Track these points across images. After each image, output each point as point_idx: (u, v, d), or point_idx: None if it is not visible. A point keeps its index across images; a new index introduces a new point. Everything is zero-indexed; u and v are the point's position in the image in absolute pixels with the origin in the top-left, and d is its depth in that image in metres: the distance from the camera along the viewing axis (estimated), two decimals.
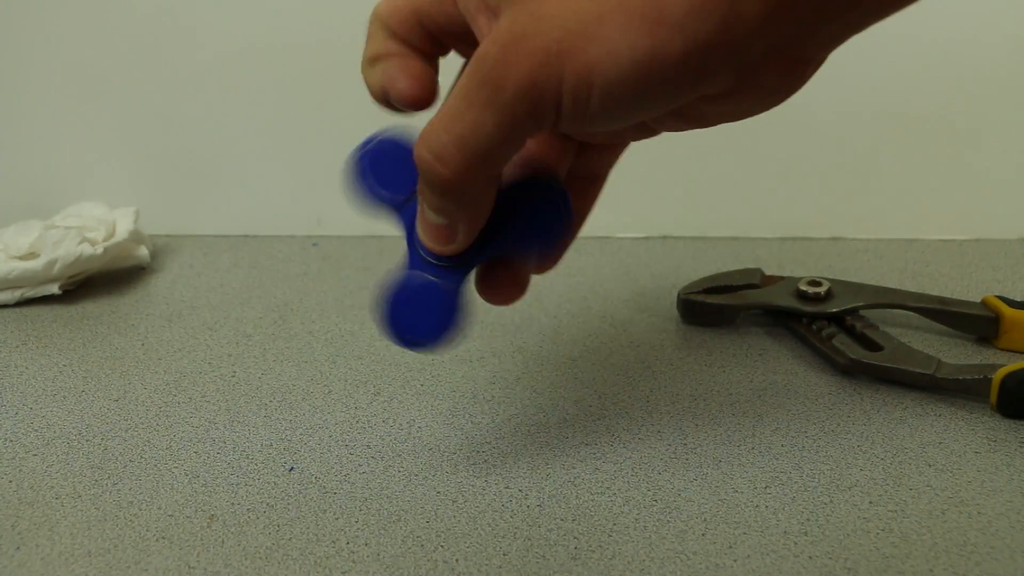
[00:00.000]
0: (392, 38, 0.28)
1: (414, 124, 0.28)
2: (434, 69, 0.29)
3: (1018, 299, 0.42)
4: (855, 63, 0.52)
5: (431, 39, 0.28)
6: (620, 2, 0.21)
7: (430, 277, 0.29)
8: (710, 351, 0.42)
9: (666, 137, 0.29)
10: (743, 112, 0.25)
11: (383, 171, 0.30)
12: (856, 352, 0.39)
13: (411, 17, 0.27)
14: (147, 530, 0.31)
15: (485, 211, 0.27)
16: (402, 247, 0.30)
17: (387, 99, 0.28)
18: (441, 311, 0.29)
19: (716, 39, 0.21)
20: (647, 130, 0.28)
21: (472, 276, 0.30)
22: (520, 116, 0.23)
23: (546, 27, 0.22)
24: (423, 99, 0.28)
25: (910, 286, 0.46)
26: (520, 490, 0.33)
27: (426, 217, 0.28)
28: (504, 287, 0.30)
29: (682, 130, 0.27)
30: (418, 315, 0.29)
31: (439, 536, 0.31)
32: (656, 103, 0.23)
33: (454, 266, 0.29)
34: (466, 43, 0.27)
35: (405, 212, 0.30)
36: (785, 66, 0.24)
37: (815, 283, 0.43)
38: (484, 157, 0.24)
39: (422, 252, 0.29)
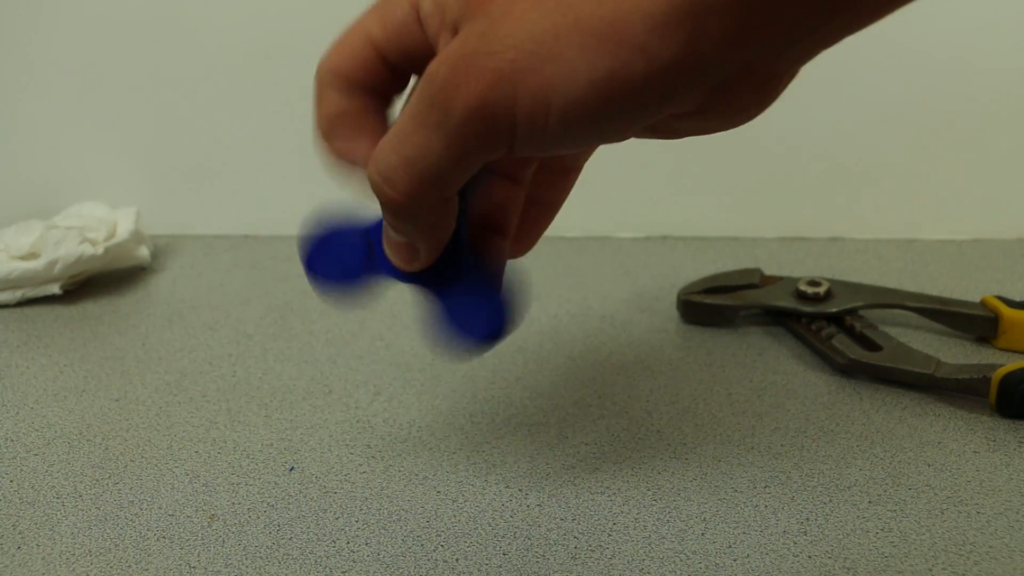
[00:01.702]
0: (349, 92, 0.26)
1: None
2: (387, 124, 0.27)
3: (1017, 299, 0.42)
4: (854, 63, 0.52)
5: (394, 77, 0.27)
6: (577, 21, 0.20)
7: (363, 243, 0.29)
8: (710, 351, 0.42)
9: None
10: (714, 128, 0.25)
11: (332, 257, 0.30)
12: (855, 352, 0.39)
13: (374, 58, 0.26)
14: (148, 530, 0.31)
15: (444, 231, 0.26)
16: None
17: (352, 165, 0.27)
18: (355, 275, 0.30)
19: (681, 60, 0.20)
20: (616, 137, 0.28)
21: None
22: (470, 139, 0.22)
23: (498, 47, 0.21)
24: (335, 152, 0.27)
25: (909, 286, 0.46)
26: (520, 490, 0.33)
27: (390, 236, 0.27)
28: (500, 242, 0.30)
29: (653, 139, 0.27)
30: (337, 266, 0.30)
31: (439, 536, 0.31)
32: (619, 125, 0.22)
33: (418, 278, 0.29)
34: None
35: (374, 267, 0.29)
36: (756, 83, 0.23)
37: (814, 283, 0.43)
38: (434, 180, 0.23)
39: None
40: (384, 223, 0.27)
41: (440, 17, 0.24)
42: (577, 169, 0.32)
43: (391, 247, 0.28)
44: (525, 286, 0.30)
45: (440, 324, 0.29)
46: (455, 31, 0.23)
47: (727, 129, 0.25)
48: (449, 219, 0.26)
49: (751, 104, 0.24)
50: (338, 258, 0.29)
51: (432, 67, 0.22)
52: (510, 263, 0.30)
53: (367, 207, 0.28)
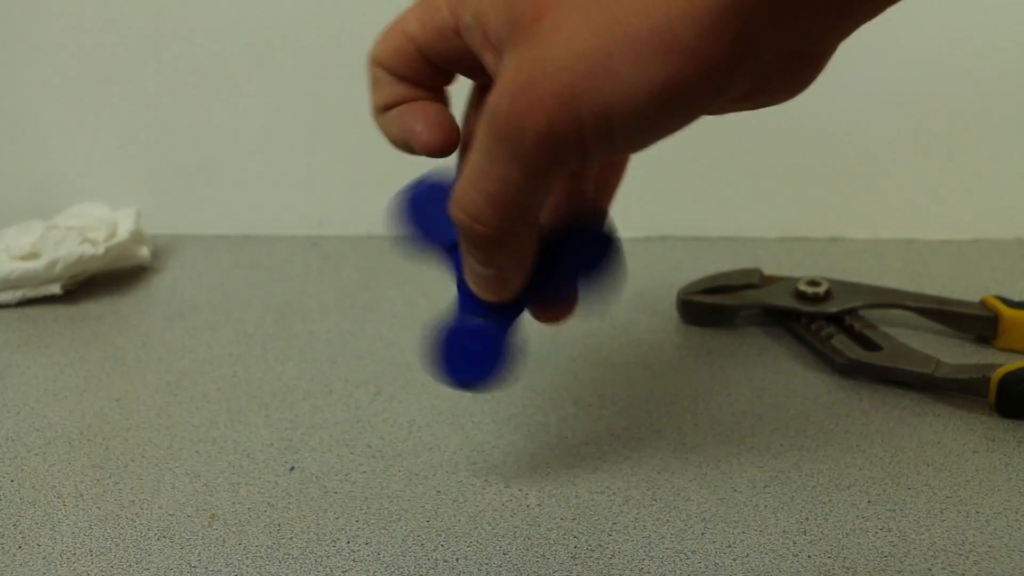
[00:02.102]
0: (400, 82, 0.28)
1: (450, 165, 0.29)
2: (447, 107, 0.28)
3: (1016, 299, 0.42)
4: (855, 64, 0.52)
5: (438, 72, 0.28)
6: (626, 36, 0.21)
7: (480, 320, 0.30)
8: (709, 351, 0.42)
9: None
10: (758, 107, 0.25)
11: (428, 215, 0.30)
12: (855, 352, 0.39)
13: (415, 55, 0.27)
14: (148, 529, 0.31)
15: (531, 256, 0.27)
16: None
17: (408, 148, 0.28)
18: (494, 354, 0.30)
19: (731, 56, 0.21)
20: None
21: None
22: (544, 164, 0.23)
23: (553, 70, 0.22)
24: (446, 147, 0.28)
25: (909, 286, 0.46)
26: (520, 490, 0.33)
27: (474, 269, 0.28)
28: (555, 309, 0.31)
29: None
30: (471, 358, 0.30)
31: (439, 535, 0.31)
32: (679, 122, 0.23)
33: (505, 309, 0.30)
34: (473, 70, 0.27)
35: (454, 256, 0.30)
36: (800, 63, 0.24)
37: (814, 283, 0.44)
38: (519, 208, 0.25)
39: (471, 298, 0.29)
40: (466, 260, 0.28)
41: (481, 33, 0.24)
42: (627, 156, 0.32)
43: (480, 282, 0.28)
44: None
45: (452, 357, 0.30)
46: (500, 51, 0.24)
47: (771, 105, 0.26)
48: (534, 244, 0.27)
49: (797, 83, 0.25)
50: (435, 214, 0.29)
51: (493, 100, 0.23)
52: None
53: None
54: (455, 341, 0.30)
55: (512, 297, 0.29)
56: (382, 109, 0.28)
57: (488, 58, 0.25)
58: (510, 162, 0.23)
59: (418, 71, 0.27)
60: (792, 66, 0.24)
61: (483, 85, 0.28)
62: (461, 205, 0.25)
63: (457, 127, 0.28)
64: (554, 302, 0.30)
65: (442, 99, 0.29)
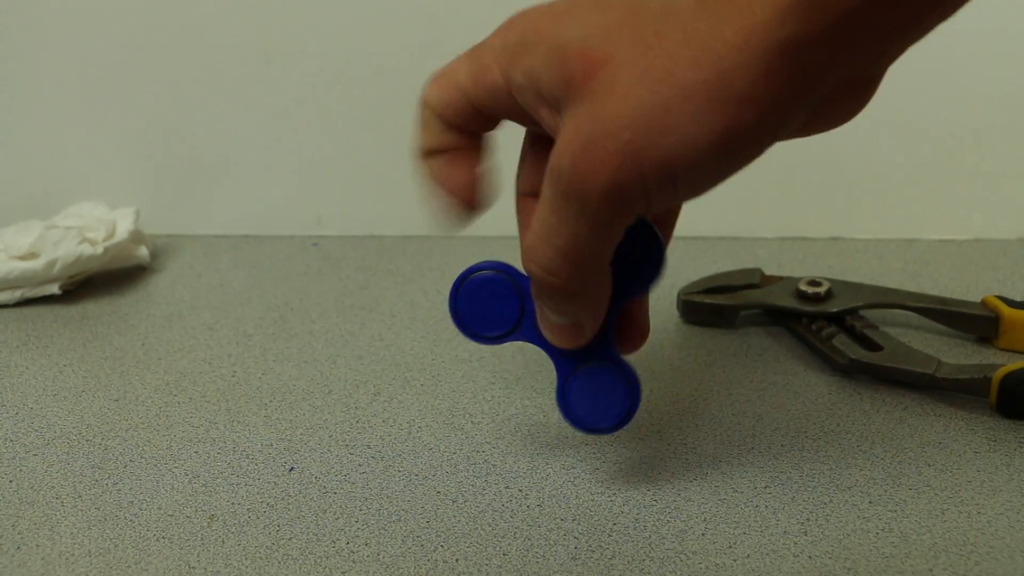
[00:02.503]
0: (448, 130, 0.28)
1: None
2: (484, 159, 0.29)
3: (1018, 299, 0.42)
4: None
5: (487, 119, 0.28)
6: (683, 90, 0.21)
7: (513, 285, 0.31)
8: (710, 351, 0.42)
9: None
10: (815, 132, 0.26)
11: (479, 307, 0.31)
12: (856, 352, 0.39)
13: (466, 106, 0.27)
14: (147, 530, 0.31)
15: (605, 302, 0.28)
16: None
17: (439, 198, 0.29)
18: (622, 395, 0.31)
19: (785, 97, 0.21)
20: None
21: None
22: (612, 218, 0.24)
23: (613, 128, 0.22)
24: (471, 212, 0.29)
25: (910, 286, 0.46)
26: (520, 490, 0.33)
27: (550, 320, 0.29)
28: (628, 337, 0.31)
29: None
30: (489, 313, 0.31)
31: (439, 536, 0.31)
32: (741, 165, 0.24)
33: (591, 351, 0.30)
34: (525, 118, 0.27)
35: (523, 331, 0.31)
36: (853, 91, 0.25)
37: (815, 283, 0.43)
38: (590, 260, 0.25)
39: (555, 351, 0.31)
40: (540, 310, 0.29)
41: (535, 93, 0.25)
42: (678, 207, 0.33)
43: (554, 331, 0.29)
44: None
45: (569, 406, 0.31)
46: (557, 108, 0.24)
47: (826, 131, 0.26)
48: (607, 292, 0.28)
49: (851, 109, 0.26)
50: (488, 307, 0.31)
51: (555, 161, 0.24)
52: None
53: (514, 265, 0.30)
54: (485, 289, 0.31)
55: (584, 344, 0.29)
56: (427, 153, 0.29)
57: (544, 114, 0.25)
58: (578, 219, 0.24)
59: (468, 120, 0.28)
60: (847, 95, 0.24)
61: (537, 133, 0.29)
62: (535, 259, 0.26)
63: (484, 190, 0.29)
64: (622, 331, 0.31)
65: (482, 147, 0.29)
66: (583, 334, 0.29)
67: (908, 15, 0.22)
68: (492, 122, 0.28)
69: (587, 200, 0.23)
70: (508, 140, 0.30)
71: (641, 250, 0.29)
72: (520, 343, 0.32)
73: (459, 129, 0.28)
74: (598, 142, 0.22)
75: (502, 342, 0.31)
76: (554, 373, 0.31)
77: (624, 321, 0.31)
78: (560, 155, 0.23)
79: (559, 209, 0.24)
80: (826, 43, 0.21)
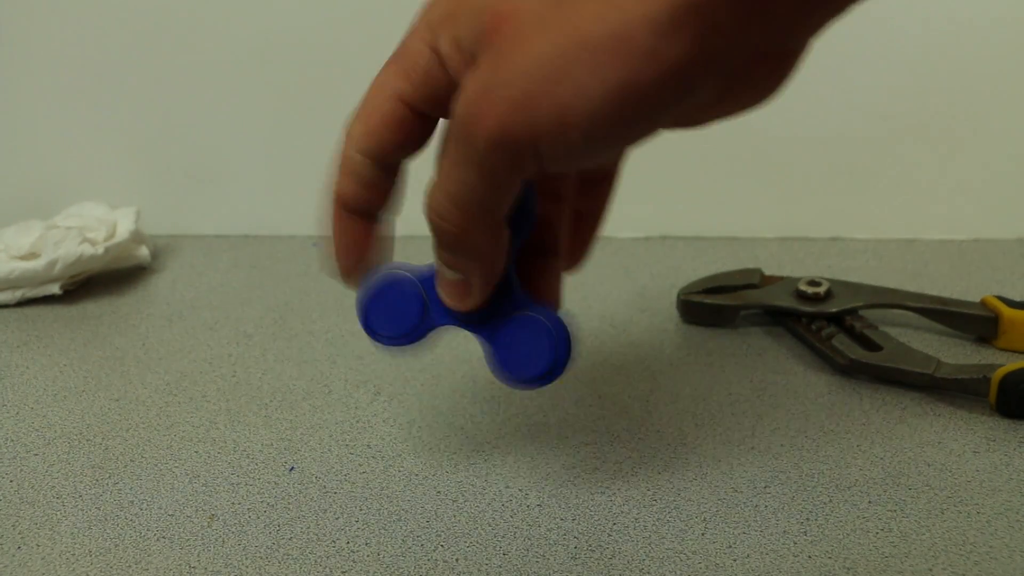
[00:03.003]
0: (366, 170, 0.28)
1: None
2: (379, 225, 0.29)
3: (1017, 299, 0.42)
4: (854, 64, 0.52)
5: (421, 129, 0.27)
6: (582, 40, 0.21)
7: (419, 291, 0.30)
8: (710, 351, 0.42)
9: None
10: (736, 112, 0.25)
11: (386, 310, 0.31)
12: (855, 352, 0.39)
13: (408, 116, 0.27)
14: (147, 530, 0.31)
15: (496, 263, 0.28)
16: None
17: (328, 261, 0.29)
18: (410, 328, 0.31)
19: (690, 58, 0.21)
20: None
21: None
22: (498, 167, 0.23)
23: (509, 76, 0.22)
24: (348, 279, 0.29)
25: (909, 286, 0.46)
26: (520, 490, 0.33)
27: (444, 276, 0.29)
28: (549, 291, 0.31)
29: (679, 130, 0.27)
30: (392, 315, 0.31)
31: (439, 536, 0.31)
32: (640, 129, 0.23)
33: (454, 315, 0.30)
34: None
35: (430, 321, 0.31)
36: (769, 64, 0.23)
37: (814, 283, 0.43)
38: (478, 209, 0.25)
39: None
40: (438, 266, 0.29)
41: (459, 54, 0.25)
42: (613, 175, 0.32)
43: (445, 287, 0.29)
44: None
45: (498, 365, 0.30)
46: (474, 63, 0.24)
47: (749, 110, 0.25)
48: (500, 250, 0.27)
49: (768, 85, 0.24)
50: (394, 311, 0.30)
51: (454, 105, 0.23)
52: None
53: (416, 262, 0.30)
54: (388, 291, 0.30)
55: (476, 306, 0.29)
56: (341, 203, 0.28)
57: (465, 76, 0.25)
58: (465, 165, 0.24)
59: (408, 133, 0.27)
60: (760, 68, 0.23)
61: None
62: (431, 204, 0.26)
63: (368, 266, 0.29)
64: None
65: (392, 193, 0.29)
66: (473, 293, 0.28)
67: None
68: (422, 135, 0.27)
69: (475, 145, 0.23)
70: None
71: (533, 345, 0.30)
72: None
73: (381, 162, 0.27)
74: (493, 89, 0.22)
75: (412, 340, 0.31)
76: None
77: (531, 289, 0.31)
78: (458, 101, 0.23)
79: (450, 154, 0.24)
80: (735, 6, 0.20)
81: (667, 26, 0.20)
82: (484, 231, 0.26)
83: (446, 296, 0.29)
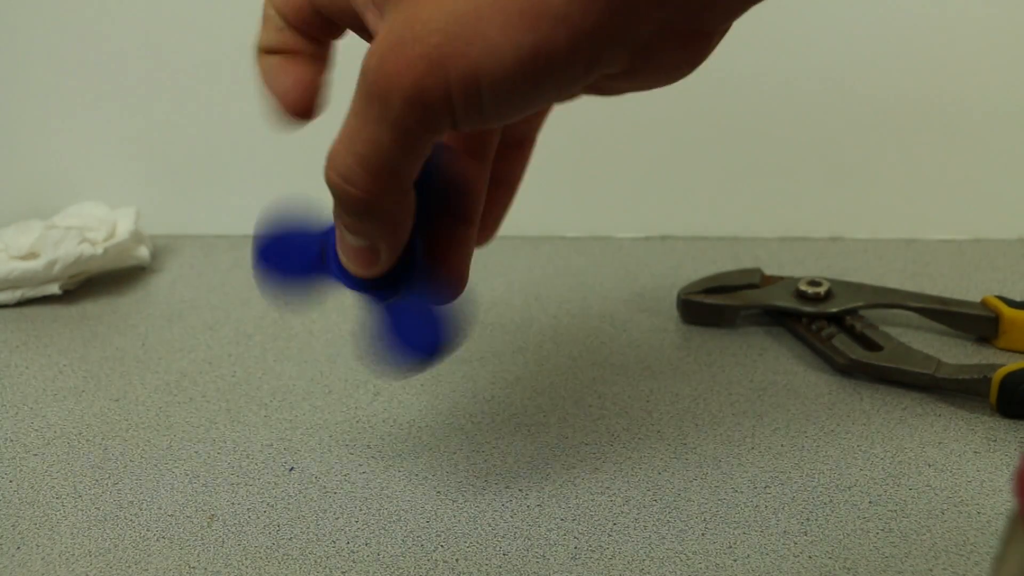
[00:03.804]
0: (289, 28, 0.27)
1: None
2: (324, 69, 0.28)
3: (1018, 299, 0.42)
4: (854, 63, 0.52)
5: (328, 25, 0.27)
6: (497, 0, 0.21)
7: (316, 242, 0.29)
8: (710, 351, 0.42)
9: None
10: (650, 86, 0.25)
11: (282, 252, 0.29)
12: (856, 352, 0.39)
13: (307, 7, 0.26)
14: (147, 530, 0.31)
15: (403, 229, 0.27)
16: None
17: (273, 100, 0.28)
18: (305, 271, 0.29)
19: (603, 26, 0.21)
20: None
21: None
22: (412, 126, 0.23)
23: (423, 32, 0.21)
24: (302, 115, 0.28)
25: (910, 286, 0.46)
26: (520, 490, 0.33)
27: (346, 241, 0.27)
28: (436, 280, 0.30)
29: (593, 95, 0.27)
30: (288, 259, 0.30)
31: (439, 536, 0.31)
32: (551, 93, 0.23)
33: (384, 289, 0.29)
34: (362, 29, 0.26)
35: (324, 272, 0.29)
36: (683, 41, 0.23)
37: (815, 283, 0.43)
38: (390, 172, 0.24)
39: (344, 275, 0.29)
40: (339, 230, 0.27)
41: None
42: (531, 140, 0.32)
43: (348, 253, 0.28)
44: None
45: (384, 337, 0.29)
46: (381, 10, 0.23)
47: (663, 86, 0.25)
48: (407, 215, 0.26)
49: (681, 62, 0.24)
50: (289, 257, 0.29)
51: (365, 60, 0.23)
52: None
53: (324, 210, 0.29)
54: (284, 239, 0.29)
55: (382, 272, 0.28)
56: (265, 51, 0.28)
57: (370, 18, 0.24)
58: (379, 123, 0.23)
59: (308, 22, 0.27)
60: (675, 44, 0.23)
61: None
62: (334, 167, 0.25)
63: (313, 98, 0.28)
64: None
65: (324, 56, 0.28)
66: (378, 260, 0.27)
67: None
68: (332, 28, 0.27)
69: (390, 103, 0.22)
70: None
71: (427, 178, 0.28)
72: None
73: (301, 31, 0.27)
74: (407, 44, 0.22)
75: (302, 286, 0.29)
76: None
77: (432, 260, 0.29)
78: (369, 55, 0.23)
79: (362, 112, 0.23)
80: None
81: None
82: (394, 196, 0.25)
83: (349, 262, 0.28)
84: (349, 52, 0.28)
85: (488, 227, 0.32)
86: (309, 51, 0.27)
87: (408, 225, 0.27)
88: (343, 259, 0.28)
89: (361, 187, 0.24)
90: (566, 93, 0.23)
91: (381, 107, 0.22)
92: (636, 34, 0.21)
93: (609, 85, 0.25)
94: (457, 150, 0.29)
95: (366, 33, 0.26)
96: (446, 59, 0.21)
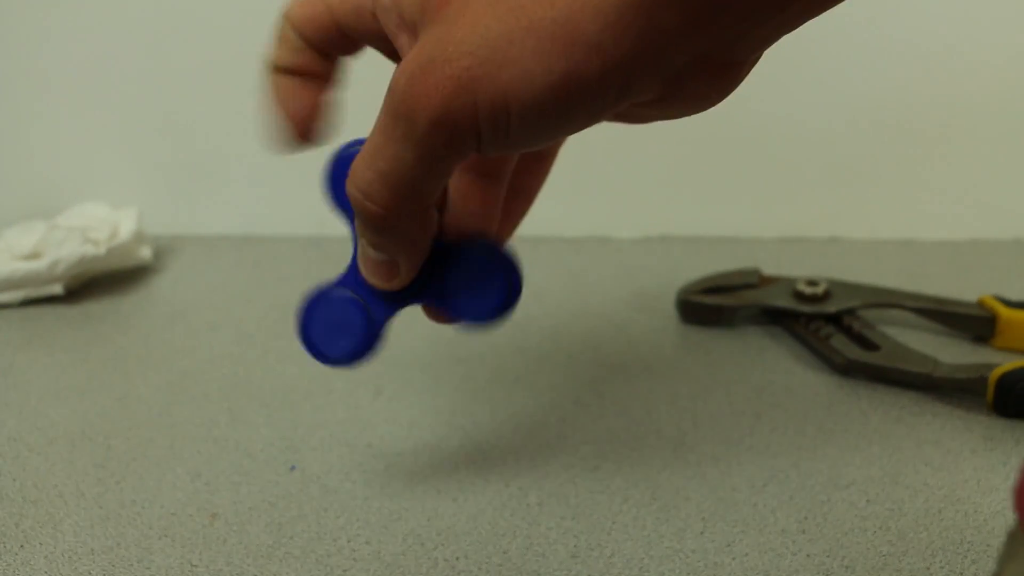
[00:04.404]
0: (306, 49, 0.27)
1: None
2: (332, 89, 0.28)
3: (1014, 299, 0.43)
4: (854, 63, 0.52)
5: (348, 42, 0.27)
6: (530, 24, 0.21)
7: (353, 296, 0.29)
8: (708, 351, 0.43)
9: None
10: (677, 115, 0.25)
11: (329, 329, 0.29)
12: (853, 352, 0.39)
13: (330, 24, 0.26)
14: (149, 528, 0.31)
15: (423, 245, 0.27)
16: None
17: (279, 120, 0.28)
18: (362, 334, 0.29)
19: (635, 55, 0.20)
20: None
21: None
22: (438, 148, 0.22)
23: (454, 54, 0.21)
24: (303, 136, 0.28)
25: (907, 286, 0.46)
26: (520, 489, 0.33)
27: (366, 253, 0.27)
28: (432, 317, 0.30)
29: (620, 123, 0.27)
30: (337, 332, 0.29)
31: (439, 535, 0.31)
32: (580, 121, 0.22)
33: (390, 299, 0.29)
34: (388, 51, 0.27)
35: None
36: (715, 72, 0.23)
37: (813, 283, 0.44)
38: (411, 191, 0.24)
39: (357, 279, 0.29)
40: (361, 245, 0.27)
41: (397, 15, 0.24)
42: (552, 154, 0.32)
43: (369, 267, 0.28)
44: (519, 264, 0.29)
45: (451, 314, 0.29)
46: (414, 33, 0.23)
47: (690, 115, 0.25)
48: (427, 233, 0.27)
49: (711, 92, 0.24)
50: (337, 326, 0.29)
51: (394, 78, 0.23)
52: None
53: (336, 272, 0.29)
54: (325, 310, 0.29)
55: (401, 287, 0.28)
56: (276, 69, 0.28)
57: (402, 41, 0.24)
58: (404, 142, 0.23)
59: (328, 40, 0.27)
60: (707, 74, 0.23)
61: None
62: (355, 182, 0.25)
63: (321, 122, 0.28)
64: (441, 309, 0.29)
65: (335, 76, 0.28)
66: (397, 275, 0.27)
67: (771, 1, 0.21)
68: (352, 46, 0.27)
69: (415, 123, 0.22)
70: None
71: (494, 280, 0.28)
72: None
73: (317, 49, 0.27)
74: (437, 65, 0.21)
75: (368, 347, 0.29)
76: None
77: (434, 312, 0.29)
78: (399, 74, 0.22)
79: (387, 129, 0.23)
80: (684, 5, 0.20)
81: (614, 21, 0.20)
82: (413, 214, 0.25)
83: (370, 275, 0.28)
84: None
85: (503, 232, 0.32)
86: (323, 71, 0.27)
87: (427, 242, 0.27)
88: (363, 271, 0.28)
89: (380, 204, 0.24)
90: (591, 121, 0.23)
91: (407, 126, 0.22)
92: (668, 64, 0.21)
93: (637, 113, 0.24)
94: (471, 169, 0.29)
95: (392, 53, 0.27)
96: (475, 82, 0.21)
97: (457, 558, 0.30)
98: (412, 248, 0.27)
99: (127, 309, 0.49)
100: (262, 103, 0.28)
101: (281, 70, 0.27)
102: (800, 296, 0.43)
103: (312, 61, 0.27)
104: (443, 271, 0.28)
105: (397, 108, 0.22)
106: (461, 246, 0.28)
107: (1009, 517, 0.31)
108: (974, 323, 0.42)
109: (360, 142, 0.28)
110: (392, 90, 0.23)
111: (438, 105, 0.22)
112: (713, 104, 0.24)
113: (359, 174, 0.24)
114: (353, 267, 0.29)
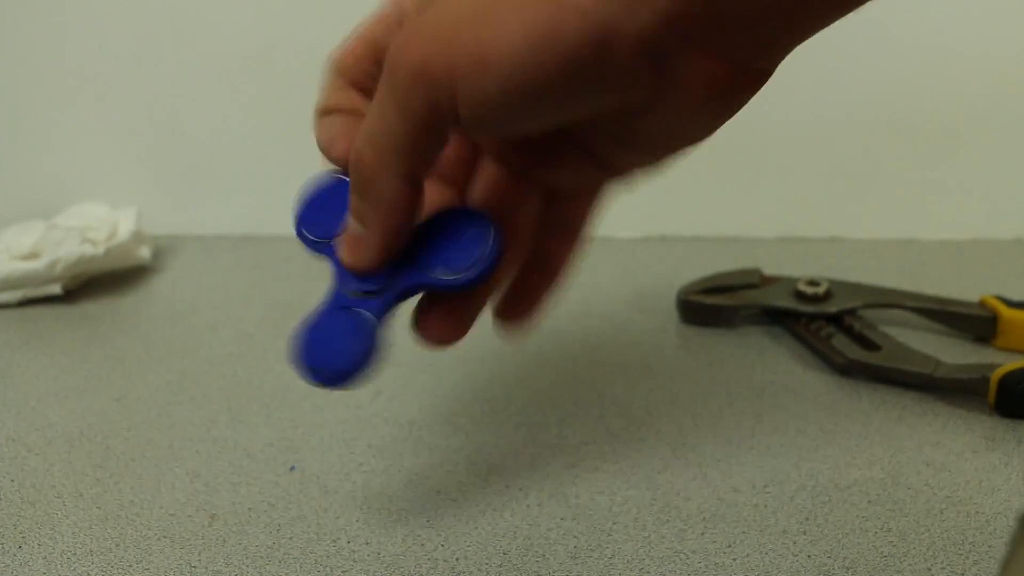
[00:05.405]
0: (349, 87, 0.28)
1: None
2: None
3: (1016, 299, 0.42)
4: (853, 64, 0.52)
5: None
6: None
7: (339, 307, 0.28)
8: (709, 351, 0.42)
9: None
10: (681, 129, 0.24)
11: (317, 214, 0.29)
12: (854, 352, 0.39)
13: (367, 55, 0.27)
14: (148, 529, 0.31)
15: (399, 218, 0.26)
16: None
17: (326, 153, 0.28)
18: (357, 341, 0.27)
19: (621, 23, 0.20)
20: (609, 170, 0.27)
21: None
22: (415, 103, 0.23)
23: (441, 19, 0.22)
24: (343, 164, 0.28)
25: (908, 286, 0.46)
26: (520, 489, 0.33)
27: (348, 230, 0.27)
28: (438, 323, 0.28)
29: (637, 164, 0.27)
30: (333, 344, 0.27)
31: (439, 535, 0.31)
32: (561, 88, 0.22)
33: (372, 296, 0.28)
34: None
35: (333, 249, 0.29)
36: (714, 74, 0.22)
37: (814, 283, 0.44)
38: (392, 149, 0.24)
39: (344, 288, 0.28)
40: (348, 219, 0.27)
41: (416, 8, 0.25)
42: (576, 228, 0.31)
43: (347, 242, 0.27)
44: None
45: (438, 275, 0.27)
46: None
47: (698, 136, 0.24)
48: (405, 207, 0.25)
49: (711, 97, 0.23)
50: (326, 336, 0.27)
51: (389, 48, 0.23)
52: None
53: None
54: (314, 332, 0.28)
55: (373, 267, 0.27)
56: (324, 112, 0.28)
57: None
58: (387, 101, 0.23)
59: (368, 75, 0.28)
60: (702, 73, 0.22)
61: None
62: (353, 143, 0.25)
63: None
64: (433, 313, 0.28)
65: None
66: (368, 251, 0.26)
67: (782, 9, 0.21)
68: None
69: (396, 79, 0.23)
70: None
71: (469, 236, 0.27)
72: None
73: (357, 88, 0.28)
74: (421, 28, 0.22)
75: (366, 363, 0.27)
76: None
77: (439, 308, 0.28)
78: (392, 43, 0.23)
79: (378, 92, 0.24)
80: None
81: None
82: (391, 176, 0.25)
83: (345, 252, 0.27)
84: None
85: (521, 307, 0.31)
86: (365, 108, 0.27)
87: (405, 222, 0.26)
88: (341, 251, 0.28)
89: (366, 163, 0.25)
90: (578, 99, 0.22)
91: (389, 84, 0.23)
92: (658, 47, 0.21)
93: (634, 127, 0.24)
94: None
95: None
96: (455, 37, 0.22)
97: (457, 559, 0.30)
98: (386, 219, 0.26)
99: (126, 309, 0.49)
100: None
101: (326, 111, 0.28)
102: (801, 296, 0.43)
103: (353, 99, 0.28)
104: (417, 246, 0.27)
105: (385, 72, 0.23)
106: (435, 217, 0.28)
107: (1011, 517, 0.31)
108: (975, 323, 0.42)
109: (319, 180, 0.29)
110: (385, 59, 0.23)
111: (416, 57, 0.22)
112: (719, 118, 0.24)
113: (357, 138, 0.25)
114: (334, 291, 0.28)
